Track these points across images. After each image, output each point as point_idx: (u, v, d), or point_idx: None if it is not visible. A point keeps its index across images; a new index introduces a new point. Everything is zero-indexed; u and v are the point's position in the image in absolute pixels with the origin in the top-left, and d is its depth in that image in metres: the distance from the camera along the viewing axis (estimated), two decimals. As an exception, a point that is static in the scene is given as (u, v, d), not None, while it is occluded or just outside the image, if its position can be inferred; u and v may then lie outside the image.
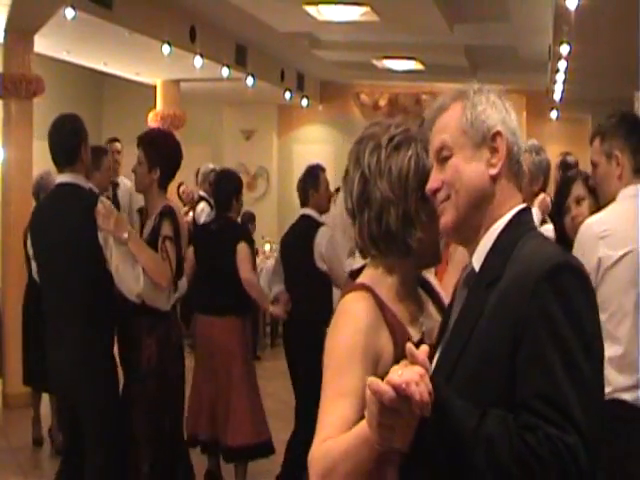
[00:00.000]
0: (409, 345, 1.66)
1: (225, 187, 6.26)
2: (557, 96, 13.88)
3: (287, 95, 14.85)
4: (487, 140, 1.95)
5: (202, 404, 5.99)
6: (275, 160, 16.70)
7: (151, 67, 12.27)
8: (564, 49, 9.53)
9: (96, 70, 12.91)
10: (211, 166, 10.45)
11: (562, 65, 10.90)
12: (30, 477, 6.60)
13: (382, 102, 16.99)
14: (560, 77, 12.00)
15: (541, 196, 4.96)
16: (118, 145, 8.69)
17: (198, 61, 11.29)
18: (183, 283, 5.13)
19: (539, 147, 5.16)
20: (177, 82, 13.42)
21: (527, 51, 12.64)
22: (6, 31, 8.88)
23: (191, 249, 6.01)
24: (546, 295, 1.75)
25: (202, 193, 10.15)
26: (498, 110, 1.97)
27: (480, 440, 1.68)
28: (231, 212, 6.22)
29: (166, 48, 10.37)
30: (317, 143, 16.85)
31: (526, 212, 1.98)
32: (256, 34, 12.08)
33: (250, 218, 11.84)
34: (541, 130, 15.73)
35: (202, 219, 9.57)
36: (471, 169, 1.95)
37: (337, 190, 8.11)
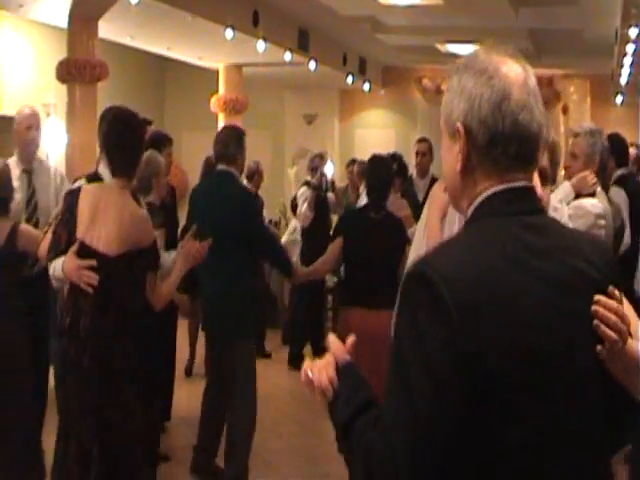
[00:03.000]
0: (330, 336, 1.94)
1: (381, 174, 6.11)
2: (623, 80, 13.64)
3: (349, 79, 14.78)
4: (455, 133, 1.89)
5: None
6: (337, 145, 16.67)
7: (214, 51, 12.31)
8: (632, 32, 9.35)
9: (159, 55, 12.99)
10: (316, 151, 10.88)
11: (630, 48, 10.70)
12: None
13: (444, 86, 16.71)
14: (627, 60, 11.78)
15: (582, 174, 4.97)
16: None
17: (261, 45, 11.30)
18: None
19: (594, 130, 5.14)
20: (239, 66, 13.45)
21: (593, 34, 12.40)
22: (70, 17, 8.97)
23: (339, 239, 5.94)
24: (399, 303, 1.78)
25: (308, 178, 10.45)
26: (466, 97, 1.87)
27: (349, 430, 1.81)
28: (386, 201, 6.06)
29: (229, 32, 10.40)
30: (379, 127, 16.77)
31: (495, 197, 1.87)
32: (319, 18, 12.04)
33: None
34: (606, 115, 15.46)
35: (301, 202, 10.05)
36: (447, 159, 1.93)
37: None
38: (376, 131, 16.53)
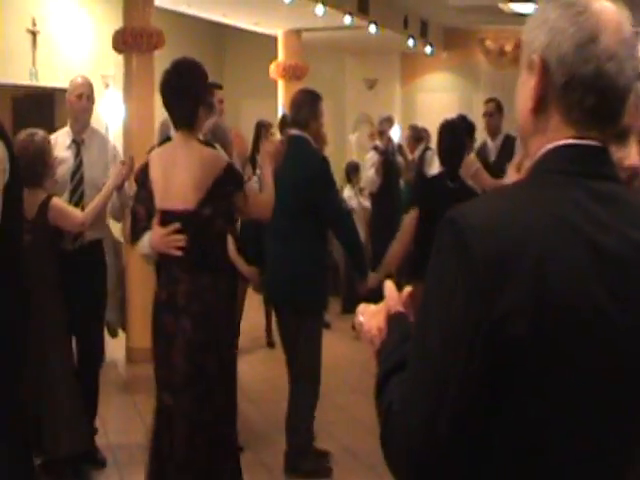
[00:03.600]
0: (387, 283, 1.86)
1: (455, 140, 5.88)
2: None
3: (410, 42, 14.48)
4: (531, 65, 1.65)
5: None
6: (398, 109, 16.37)
7: (271, 17, 12.09)
8: None
9: (216, 22, 12.80)
10: (383, 115, 10.80)
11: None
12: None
13: (508, 48, 16.42)
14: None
15: None
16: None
17: (320, 9, 11.05)
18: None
19: None
20: (298, 32, 13.21)
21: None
22: (126, -16, 8.83)
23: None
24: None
25: (377, 142, 10.37)
26: (548, 28, 1.63)
27: (383, 386, 1.65)
28: (460, 168, 5.82)
29: (288, -4, 10.18)
30: (441, 91, 16.45)
31: (559, 151, 1.63)
32: (378, -21, 11.78)
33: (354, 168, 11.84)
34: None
35: (368, 166, 9.97)
36: (521, 95, 1.68)
37: None
38: (438, 95, 16.21)
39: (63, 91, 7.26)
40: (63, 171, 5.64)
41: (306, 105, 5.66)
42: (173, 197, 4.18)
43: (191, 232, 4.13)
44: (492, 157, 8.40)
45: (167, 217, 4.16)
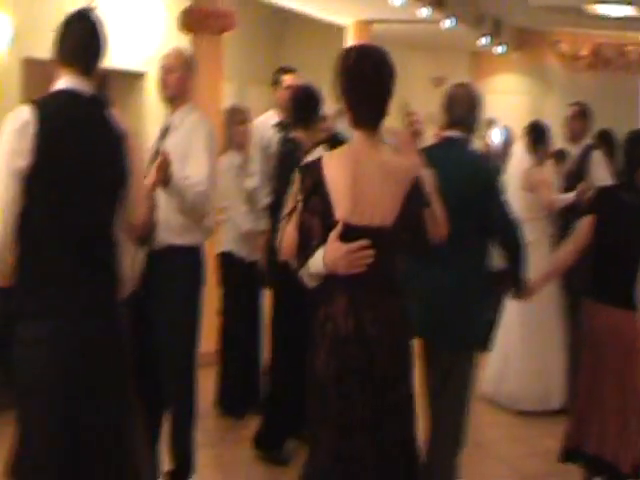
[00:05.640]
0: None
1: (636, 150, 5.13)
2: None
3: (483, 41, 13.79)
4: None
5: (595, 409, 4.95)
6: (465, 110, 15.68)
7: (344, 5, 11.44)
8: None
9: (279, 8, 12.10)
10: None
11: None
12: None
13: (584, 52, 15.70)
14: None
15: None
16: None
17: (398, -1, 10.39)
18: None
19: None
20: (370, 23, 12.55)
21: None
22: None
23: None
24: None
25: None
26: None
27: None
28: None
29: (366, -18, 9.51)
30: (511, 93, 15.79)
31: None
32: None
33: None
34: None
35: None
36: None
37: None
38: (508, 97, 15.54)
39: (120, 72, 6.60)
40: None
41: (473, 103, 4.86)
42: (368, 210, 3.42)
43: (381, 251, 3.42)
44: (570, 166, 7.73)
45: (353, 232, 3.40)
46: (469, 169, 4.67)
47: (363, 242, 3.37)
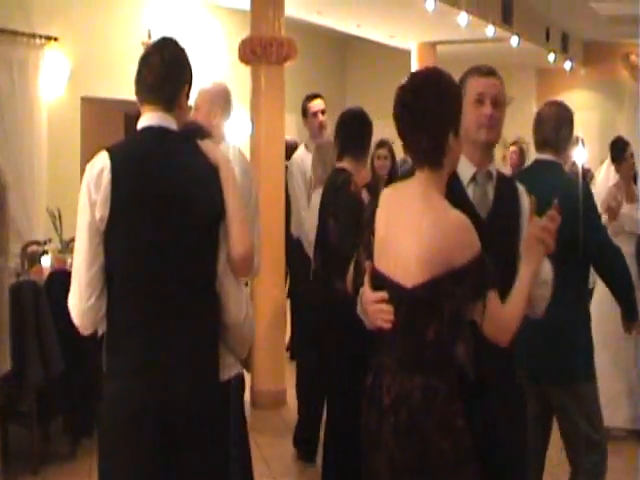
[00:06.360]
0: None
1: None
2: None
3: (551, 57, 13.39)
4: None
5: None
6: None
7: (408, 27, 11.19)
8: None
9: (341, 33, 11.86)
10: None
11: None
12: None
13: (657, 63, 15.20)
14: None
15: None
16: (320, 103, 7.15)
17: (463, 18, 10.05)
18: None
19: None
20: (434, 45, 12.25)
21: None
22: (255, -9, 7.96)
23: None
24: None
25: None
26: None
27: None
28: None
29: (430, 3, 9.17)
30: (581, 110, 15.17)
31: None
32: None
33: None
34: None
35: None
36: None
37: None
38: (578, 114, 14.97)
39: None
40: None
41: (565, 123, 4.61)
42: (392, 259, 2.98)
43: (403, 312, 2.98)
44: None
45: (379, 279, 2.96)
46: (566, 196, 4.21)
47: (380, 294, 2.98)
